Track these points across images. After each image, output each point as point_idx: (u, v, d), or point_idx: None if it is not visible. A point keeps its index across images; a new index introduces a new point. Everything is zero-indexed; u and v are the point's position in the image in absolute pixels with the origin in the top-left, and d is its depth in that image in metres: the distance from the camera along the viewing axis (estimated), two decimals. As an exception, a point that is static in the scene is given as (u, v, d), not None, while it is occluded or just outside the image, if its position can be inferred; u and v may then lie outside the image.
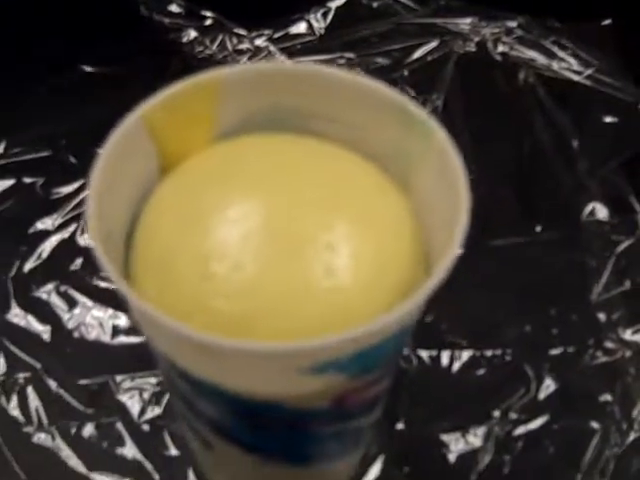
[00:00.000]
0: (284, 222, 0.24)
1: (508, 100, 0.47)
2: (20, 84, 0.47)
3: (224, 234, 0.23)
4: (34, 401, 0.35)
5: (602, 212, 0.42)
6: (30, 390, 0.35)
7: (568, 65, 0.48)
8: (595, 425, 0.35)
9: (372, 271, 0.23)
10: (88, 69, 0.49)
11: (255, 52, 0.48)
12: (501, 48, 0.49)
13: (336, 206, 0.24)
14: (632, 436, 0.35)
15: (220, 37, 0.49)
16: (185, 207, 0.25)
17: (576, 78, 0.48)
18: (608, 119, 0.46)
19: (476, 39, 0.50)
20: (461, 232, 0.23)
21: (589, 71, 0.48)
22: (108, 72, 0.48)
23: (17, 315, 0.38)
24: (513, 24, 0.50)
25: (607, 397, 0.36)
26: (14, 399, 0.35)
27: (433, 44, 0.49)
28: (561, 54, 0.49)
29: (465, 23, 0.50)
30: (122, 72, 0.48)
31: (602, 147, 0.44)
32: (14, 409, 0.35)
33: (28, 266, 0.40)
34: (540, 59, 0.49)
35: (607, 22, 0.50)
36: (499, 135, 0.46)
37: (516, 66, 0.49)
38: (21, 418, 0.35)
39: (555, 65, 0.48)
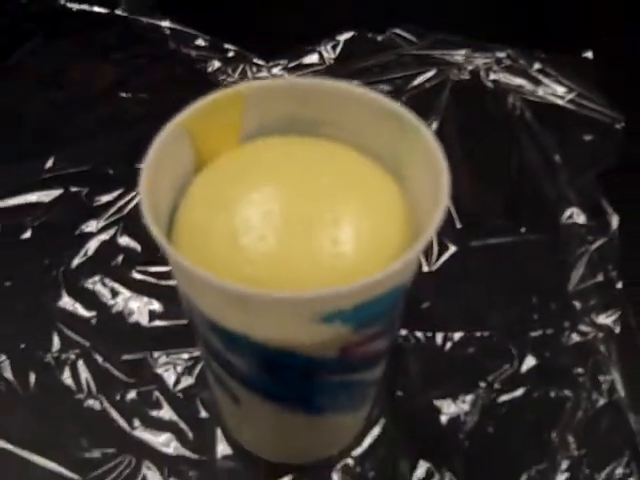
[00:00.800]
0: (298, 204, 0.29)
1: (498, 122, 0.53)
2: (67, 107, 0.53)
3: (249, 214, 0.29)
4: (84, 373, 0.41)
5: (579, 216, 0.47)
6: (80, 364, 0.41)
7: (552, 91, 0.54)
8: (568, 393, 0.40)
9: (369, 242, 0.29)
10: (123, 95, 0.55)
11: (273, 80, 0.54)
12: (492, 76, 0.55)
13: (340, 191, 0.30)
14: (600, 402, 0.40)
15: (241, 67, 0.55)
16: (217, 195, 0.30)
17: (559, 102, 0.54)
18: (586, 137, 0.51)
19: (469, 68, 0.56)
20: (442, 210, 0.27)
21: (570, 96, 0.54)
22: (142, 98, 0.54)
23: (67, 303, 0.43)
24: (502, 55, 0.56)
25: (579, 370, 0.41)
26: (67, 371, 0.41)
27: (431, 73, 0.55)
28: (546, 81, 0.55)
29: (459, 54, 0.56)
30: (154, 98, 0.54)
31: (580, 161, 0.50)
32: (67, 379, 0.40)
33: (76, 262, 0.45)
34: (527, 86, 0.55)
35: (588, 54, 0.56)
36: (490, 152, 0.52)
37: (505, 92, 0.55)
38: (73, 387, 0.40)
39: (540, 91, 0.54)
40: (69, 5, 0.60)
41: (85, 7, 0.59)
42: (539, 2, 0.62)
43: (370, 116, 0.31)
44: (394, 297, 0.29)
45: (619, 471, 0.38)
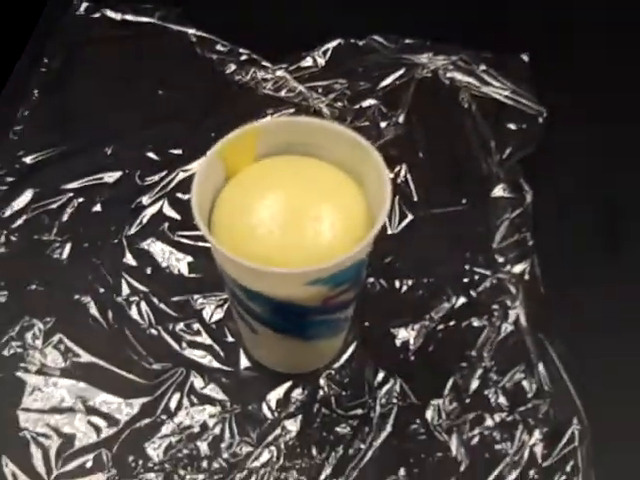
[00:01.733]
0: (293, 206, 0.44)
1: (450, 113, 0.68)
2: (121, 103, 0.68)
3: (263, 213, 0.44)
4: (146, 310, 0.57)
5: (504, 191, 0.63)
6: (143, 304, 0.57)
7: (494, 89, 0.69)
8: (486, 323, 0.56)
9: (342, 231, 0.44)
10: (160, 92, 0.70)
11: (277, 80, 0.69)
12: (448, 74, 0.70)
13: (323, 195, 0.45)
14: (508, 329, 0.56)
15: (252, 69, 0.70)
16: (239, 199, 0.46)
17: (497, 97, 0.69)
18: (514, 127, 0.67)
19: (431, 68, 0.70)
20: (386, 210, 0.43)
21: (506, 92, 0.69)
22: (175, 95, 0.69)
23: (129, 259, 0.59)
24: (456, 57, 0.70)
25: (495, 306, 0.57)
26: (134, 309, 0.57)
27: (400, 72, 0.70)
28: (489, 79, 0.69)
29: (423, 57, 0.71)
30: (185, 95, 0.69)
31: (509, 146, 0.65)
32: (135, 315, 0.57)
33: (133, 229, 0.61)
34: (474, 83, 0.69)
35: (524, 56, 0.71)
36: (442, 136, 0.67)
37: (457, 88, 0.69)
38: (139, 320, 0.57)
39: (484, 88, 0.69)
40: (111, 15, 0.74)
41: (127, 17, 0.74)
42: (489, 12, 0.76)
43: (341, 143, 0.47)
44: (357, 267, 0.45)
45: (517, 376, 0.54)
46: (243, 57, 0.71)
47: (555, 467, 0.51)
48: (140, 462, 0.51)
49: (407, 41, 0.72)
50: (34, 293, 0.57)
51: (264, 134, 0.47)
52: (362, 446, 0.52)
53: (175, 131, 0.66)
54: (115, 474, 0.50)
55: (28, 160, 0.64)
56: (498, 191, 0.63)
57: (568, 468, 0.51)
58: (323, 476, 0.51)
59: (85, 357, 0.55)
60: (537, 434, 0.52)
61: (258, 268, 0.41)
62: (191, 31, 0.72)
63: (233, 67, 0.70)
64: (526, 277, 0.59)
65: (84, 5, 0.74)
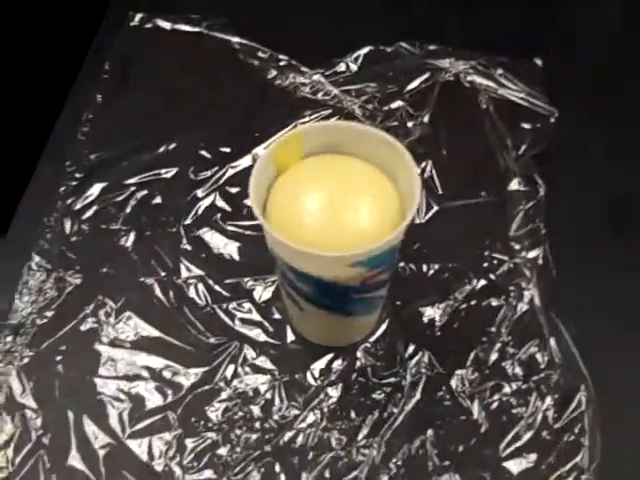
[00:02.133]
0: (334, 198, 0.51)
1: (471, 113, 0.75)
2: (175, 106, 0.76)
3: (309, 204, 0.51)
4: (202, 290, 0.64)
5: (519, 185, 0.70)
6: (200, 285, 0.64)
7: (510, 91, 0.76)
8: (503, 302, 0.63)
9: (378, 220, 0.51)
10: (209, 96, 0.77)
11: (313, 84, 0.76)
12: (468, 78, 0.77)
13: (361, 189, 0.52)
14: (523, 308, 0.63)
15: (291, 74, 0.77)
16: (289, 192, 0.53)
17: (513, 99, 0.75)
18: (528, 126, 0.73)
19: (453, 72, 0.77)
20: (416, 204, 0.50)
21: (521, 94, 0.75)
22: (221, 98, 0.76)
23: (187, 246, 0.67)
24: (476, 62, 0.77)
25: (512, 288, 0.64)
26: (192, 290, 0.64)
27: (425, 76, 0.77)
28: (505, 82, 0.76)
29: (446, 61, 0.78)
30: (229, 98, 0.76)
31: (524, 144, 0.72)
32: (193, 295, 0.64)
33: (190, 219, 0.68)
34: (492, 86, 0.76)
35: (537, 60, 0.78)
36: (464, 134, 0.74)
37: (477, 91, 0.76)
38: (197, 300, 0.64)
39: (501, 90, 0.76)
40: (162, 25, 0.82)
41: (177, 27, 0.81)
42: (505, 18, 0.83)
43: (378, 144, 0.54)
44: (391, 251, 0.52)
45: (531, 349, 0.61)
46: (282, 63, 0.78)
47: (565, 429, 0.58)
48: (201, 423, 0.59)
49: (431, 47, 0.79)
50: (105, 276, 0.65)
51: (309, 136, 0.54)
52: (395, 410, 0.59)
53: (223, 131, 0.74)
54: (180, 433, 0.58)
55: (94, 158, 0.71)
56: (514, 185, 0.70)
57: (576, 430, 0.58)
58: (360, 436, 0.58)
59: (151, 332, 0.62)
60: (549, 400, 0.59)
61: (309, 252, 0.47)
62: (235, 39, 0.79)
63: (274, 72, 0.77)
64: (539, 262, 0.66)
65: (138, 17, 0.81)
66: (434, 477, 0.57)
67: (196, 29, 0.81)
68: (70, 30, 0.81)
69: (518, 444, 0.58)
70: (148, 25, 0.81)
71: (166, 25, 0.81)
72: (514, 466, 0.57)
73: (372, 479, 0.56)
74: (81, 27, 0.81)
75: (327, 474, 0.57)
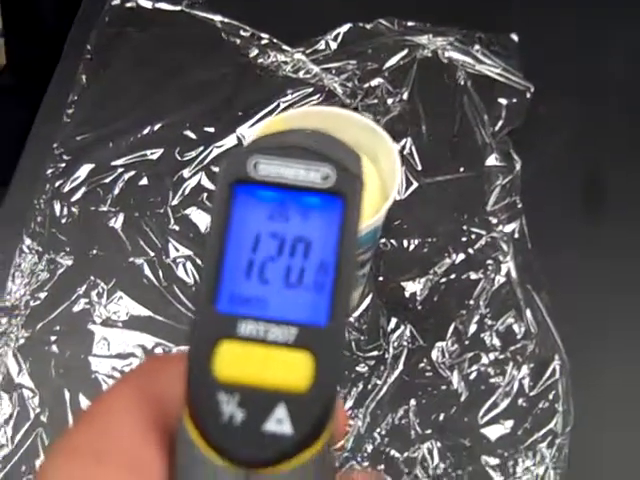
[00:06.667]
0: None
1: (449, 89, 0.77)
2: (159, 86, 0.77)
3: None
4: (190, 269, 0.66)
5: (496, 160, 0.72)
6: (188, 264, 0.67)
7: (486, 67, 0.78)
8: (482, 276, 0.66)
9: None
10: (192, 76, 0.78)
11: (295, 63, 0.78)
12: (447, 54, 0.79)
13: None
14: (501, 280, 0.66)
15: (273, 53, 0.79)
16: None
17: (490, 74, 0.77)
18: (505, 101, 0.75)
19: (431, 48, 0.79)
20: (397, 188, 0.53)
21: (498, 70, 0.77)
22: (204, 77, 0.78)
23: (174, 226, 0.69)
24: (453, 38, 0.79)
25: (489, 261, 0.67)
26: (180, 269, 0.67)
27: (404, 52, 0.79)
28: (482, 58, 0.78)
29: (424, 38, 0.79)
30: (211, 78, 0.78)
31: (500, 120, 0.74)
32: (182, 274, 0.66)
33: (177, 199, 0.70)
34: (470, 62, 0.78)
35: (513, 35, 0.80)
36: (442, 111, 0.76)
37: (455, 67, 0.78)
38: (185, 278, 0.66)
39: (478, 66, 0.78)
40: (144, 4, 0.83)
41: (158, 5, 0.82)
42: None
43: (359, 128, 0.57)
44: (372, 233, 0.54)
45: (508, 320, 0.64)
46: (264, 41, 0.79)
47: (540, 396, 0.61)
48: (193, 398, 0.61)
49: (409, 23, 0.80)
50: (95, 257, 0.67)
51: (292, 119, 0.57)
52: (378, 382, 0.62)
53: (207, 110, 0.75)
54: (173, 408, 0.61)
55: (80, 139, 0.73)
56: (491, 160, 0.72)
57: (550, 396, 0.61)
58: (346, 407, 0.61)
59: (142, 311, 0.64)
60: (525, 369, 0.62)
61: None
62: (217, 17, 0.81)
63: (256, 51, 0.79)
64: (516, 236, 0.68)
65: (120, -4, 0.82)
66: (417, 444, 0.59)
67: (177, 8, 0.82)
68: (50, 10, 0.82)
69: (496, 411, 0.61)
70: (129, 4, 0.82)
71: (147, 4, 0.82)
72: (492, 432, 0.60)
73: (358, 448, 0.59)
74: (61, 7, 0.82)
75: (314, 445, 0.59)
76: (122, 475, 0.26)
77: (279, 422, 0.26)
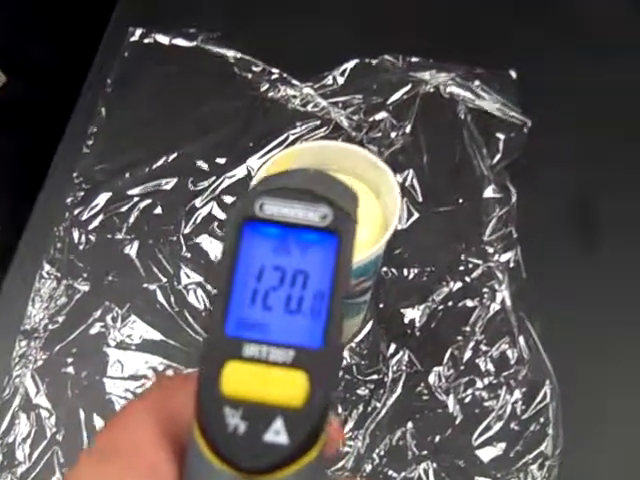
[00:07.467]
0: None
1: (450, 123, 0.80)
2: (173, 118, 0.81)
3: None
4: (201, 295, 0.70)
5: (494, 191, 0.75)
6: (199, 290, 0.70)
7: (486, 102, 0.81)
8: (477, 303, 0.69)
9: (362, 233, 0.57)
10: (205, 108, 0.82)
11: (303, 97, 0.81)
12: (448, 90, 0.82)
13: None
14: (496, 308, 0.69)
15: (283, 87, 0.82)
16: None
17: (489, 110, 0.81)
18: (503, 136, 0.79)
19: (434, 84, 0.82)
20: (396, 220, 0.56)
21: (497, 105, 0.81)
22: (217, 110, 0.82)
23: (186, 253, 0.72)
24: (454, 74, 0.82)
25: (485, 289, 0.70)
26: (192, 295, 0.70)
27: (407, 87, 0.82)
28: (482, 94, 0.81)
29: (427, 74, 0.83)
30: (224, 111, 0.82)
31: (498, 153, 0.78)
32: (192, 299, 0.70)
33: (189, 228, 0.74)
34: (470, 97, 0.81)
35: (512, 72, 0.83)
36: (443, 144, 0.79)
37: (456, 102, 0.81)
38: (197, 304, 0.69)
39: (477, 101, 0.81)
40: (161, 39, 0.87)
41: (174, 41, 0.86)
42: (484, 32, 0.88)
43: (364, 163, 0.60)
44: (373, 263, 0.57)
45: (502, 347, 0.67)
46: (274, 76, 0.83)
47: (531, 419, 0.64)
48: (202, 418, 0.64)
49: (413, 59, 0.84)
50: (111, 283, 0.71)
51: (300, 154, 0.60)
52: (378, 404, 0.65)
53: (219, 142, 0.79)
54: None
55: (99, 170, 0.77)
56: (488, 192, 0.75)
57: (541, 420, 0.64)
58: (347, 429, 0.64)
59: (154, 334, 0.68)
60: (517, 393, 0.65)
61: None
62: (230, 53, 0.85)
63: (266, 85, 0.82)
64: (511, 265, 0.71)
65: (138, 32, 0.86)
66: (413, 465, 0.63)
67: (193, 43, 0.86)
68: (73, 46, 0.86)
69: (489, 434, 0.64)
70: (147, 40, 0.86)
71: (164, 40, 0.86)
72: (485, 454, 0.63)
73: (357, 468, 0.62)
74: (83, 43, 0.86)
75: (316, 464, 0.62)
76: (142, 478, 0.30)
77: (277, 433, 0.29)
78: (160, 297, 0.70)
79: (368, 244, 0.56)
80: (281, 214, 0.31)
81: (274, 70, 0.83)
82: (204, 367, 0.30)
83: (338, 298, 0.30)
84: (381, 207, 0.60)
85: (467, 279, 0.71)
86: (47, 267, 0.71)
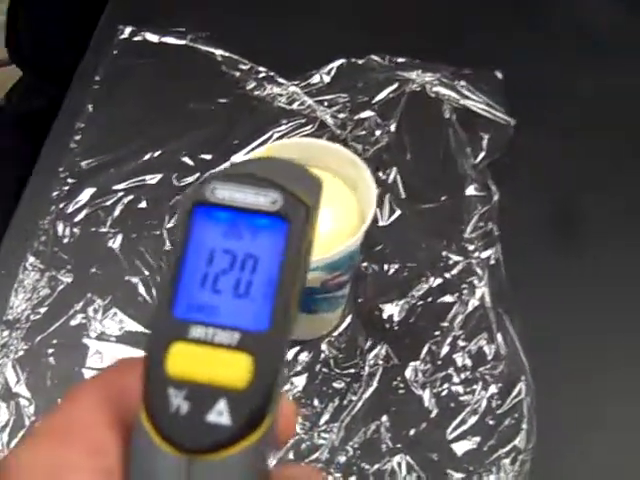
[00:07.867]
0: None
1: (435, 122, 0.81)
2: (160, 115, 0.82)
3: None
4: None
5: (476, 190, 0.76)
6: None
7: (471, 102, 0.82)
8: (457, 299, 0.70)
9: (338, 229, 0.58)
10: (192, 106, 0.83)
11: (290, 95, 0.82)
12: (434, 89, 0.83)
13: (324, 198, 0.59)
14: (475, 304, 0.69)
15: (269, 85, 0.83)
16: None
17: (474, 109, 0.81)
18: (487, 135, 0.79)
19: (420, 83, 0.83)
20: (372, 214, 0.56)
21: (482, 105, 0.81)
22: (204, 107, 0.83)
23: (168, 246, 0.73)
24: (440, 74, 0.83)
25: (464, 285, 0.70)
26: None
27: (393, 86, 0.83)
28: (467, 93, 0.82)
29: (413, 74, 0.84)
30: (210, 108, 0.82)
31: (482, 152, 0.78)
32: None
33: (172, 223, 0.74)
34: (455, 96, 0.82)
35: (497, 72, 0.84)
36: (427, 142, 0.80)
37: (441, 101, 0.82)
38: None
39: (462, 101, 0.82)
40: (150, 38, 0.88)
41: (163, 39, 0.87)
42: (469, 34, 0.89)
43: (342, 160, 0.61)
44: (348, 257, 0.58)
45: (482, 342, 0.68)
46: (261, 75, 0.84)
47: (506, 414, 0.65)
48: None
49: (400, 60, 0.84)
50: (94, 275, 0.71)
51: (281, 152, 0.61)
52: (354, 398, 0.65)
53: (205, 139, 0.80)
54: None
55: (85, 165, 0.78)
56: (470, 190, 0.76)
57: (516, 414, 0.64)
58: (322, 421, 0.64)
59: (135, 327, 0.69)
60: (493, 388, 0.65)
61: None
62: (218, 52, 0.85)
63: (253, 83, 0.83)
64: (491, 262, 0.72)
65: (128, 30, 0.87)
66: (387, 457, 0.63)
67: (182, 42, 0.87)
68: (63, 41, 0.87)
69: (464, 428, 0.64)
70: (137, 38, 0.87)
71: (154, 38, 0.87)
72: (459, 447, 0.63)
73: (331, 460, 0.63)
74: (73, 39, 0.87)
75: (291, 455, 0.63)
76: (83, 456, 0.30)
77: (219, 414, 0.29)
78: (142, 290, 0.70)
79: (344, 236, 0.57)
80: (232, 198, 0.31)
81: (261, 69, 0.84)
82: (150, 348, 0.30)
83: (287, 283, 0.30)
84: (358, 202, 0.61)
85: (447, 275, 0.71)
86: (31, 259, 0.72)
